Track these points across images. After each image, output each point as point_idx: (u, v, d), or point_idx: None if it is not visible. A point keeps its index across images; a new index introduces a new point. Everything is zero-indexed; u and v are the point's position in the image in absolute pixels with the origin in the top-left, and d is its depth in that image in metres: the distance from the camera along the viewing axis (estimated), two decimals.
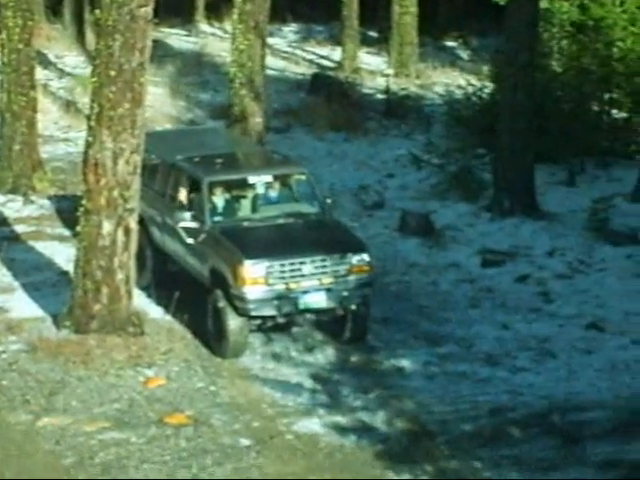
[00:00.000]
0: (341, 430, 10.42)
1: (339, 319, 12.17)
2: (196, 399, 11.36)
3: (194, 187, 12.90)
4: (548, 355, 12.74)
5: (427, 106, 23.45)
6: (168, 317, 13.19)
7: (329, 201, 13.60)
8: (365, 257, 12.00)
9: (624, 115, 20.55)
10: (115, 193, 12.35)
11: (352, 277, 11.87)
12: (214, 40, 27.24)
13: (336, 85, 23.66)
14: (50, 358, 12.17)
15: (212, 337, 12.00)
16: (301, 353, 12.32)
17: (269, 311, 11.56)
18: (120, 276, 12.37)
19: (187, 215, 12.43)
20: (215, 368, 12.38)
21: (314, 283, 11.71)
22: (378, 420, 10.69)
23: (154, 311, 13.39)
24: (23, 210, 17.58)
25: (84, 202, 12.62)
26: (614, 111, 20.56)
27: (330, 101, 22.66)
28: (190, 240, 12.47)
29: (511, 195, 16.95)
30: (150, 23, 12.72)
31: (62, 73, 25.97)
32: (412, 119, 22.40)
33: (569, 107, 19.38)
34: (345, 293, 11.80)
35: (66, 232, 15.74)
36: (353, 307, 11.91)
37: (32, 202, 17.85)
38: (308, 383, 11.62)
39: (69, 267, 13.72)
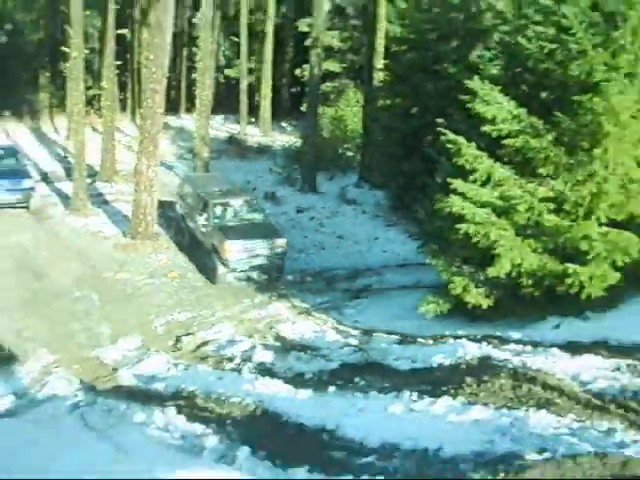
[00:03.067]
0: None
1: (273, 267, 18.28)
2: (180, 267, 18.37)
3: (206, 205, 18.75)
4: (321, 248, 21.64)
5: (275, 149, 34.31)
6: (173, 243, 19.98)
7: (267, 212, 20.15)
8: (284, 240, 18.34)
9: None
10: (147, 183, 19.31)
11: (278, 249, 18.24)
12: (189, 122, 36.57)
13: (238, 140, 35.25)
14: (121, 249, 19.20)
15: (209, 273, 17.97)
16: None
17: (238, 266, 17.70)
18: (149, 217, 19.31)
19: (203, 217, 18.58)
20: (189, 256, 19.13)
21: (259, 252, 17.92)
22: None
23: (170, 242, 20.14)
24: (111, 189, 25.34)
25: (135, 187, 19.55)
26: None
27: (236, 146, 34.51)
28: (204, 229, 18.60)
29: (307, 184, 27.55)
30: (162, 111, 19.51)
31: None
32: (269, 153, 33.38)
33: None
34: (275, 257, 18.22)
35: (129, 199, 20.60)
36: (279, 263, 18.39)
37: (113, 187, 25.53)
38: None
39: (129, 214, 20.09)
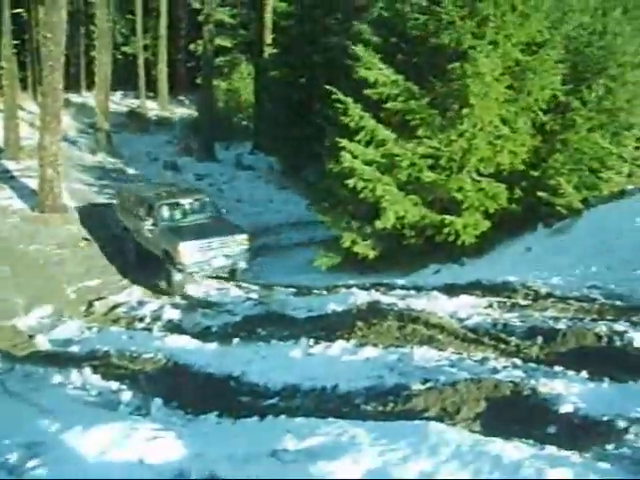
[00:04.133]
0: None
1: (236, 268, 14.71)
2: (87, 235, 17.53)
3: (151, 207, 15.23)
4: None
5: (174, 121, 34.19)
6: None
7: (224, 210, 16.27)
8: (244, 236, 14.63)
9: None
10: (51, 158, 18.23)
11: (238, 247, 14.52)
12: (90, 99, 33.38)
13: (137, 114, 33.90)
14: (30, 222, 17.99)
15: (165, 282, 14.57)
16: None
17: (195, 269, 14.12)
18: (56, 190, 18.34)
19: (149, 222, 15.08)
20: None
21: (218, 252, 14.23)
22: None
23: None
24: (18, 166, 23.26)
25: (40, 162, 18.39)
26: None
27: (136, 120, 33.14)
28: (151, 235, 15.14)
29: (205, 153, 27.51)
30: (62, 88, 18.61)
31: None
32: (168, 126, 32.88)
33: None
34: (237, 256, 14.51)
35: (35, 174, 19.18)
36: (241, 264, 14.75)
37: (19, 163, 23.48)
38: None
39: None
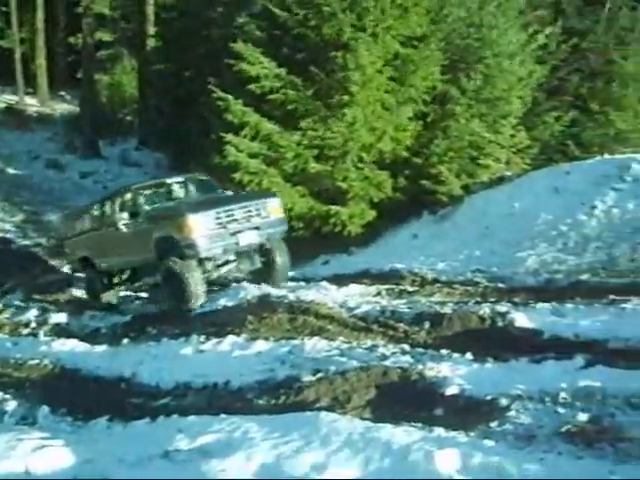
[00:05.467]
0: None
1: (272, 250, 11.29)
2: None
3: (123, 200, 11.62)
4: None
5: (55, 117, 32.45)
6: None
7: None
8: (277, 200, 11.18)
9: None
10: None
11: (271, 216, 10.94)
12: None
13: (16, 111, 32.37)
14: None
15: (174, 300, 10.41)
16: None
17: (216, 252, 10.48)
18: None
19: (124, 216, 11.20)
20: None
21: (244, 224, 10.47)
22: None
23: None
24: None
25: None
26: None
27: (15, 117, 31.52)
28: (127, 229, 11.22)
29: (89, 150, 26.75)
30: None
31: None
32: (49, 122, 31.32)
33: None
34: (269, 229, 10.92)
35: None
36: (276, 246, 11.31)
37: None
38: None
39: None
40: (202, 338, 8.71)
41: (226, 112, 13.24)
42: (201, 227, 10.06)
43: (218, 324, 9.17)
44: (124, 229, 11.34)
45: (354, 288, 9.99)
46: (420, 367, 6.51)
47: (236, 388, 7.12)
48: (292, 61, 13.74)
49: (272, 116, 13.50)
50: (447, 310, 8.33)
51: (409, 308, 8.67)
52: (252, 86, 13.19)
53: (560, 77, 15.67)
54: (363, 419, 5.68)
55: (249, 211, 10.61)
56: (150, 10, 27.47)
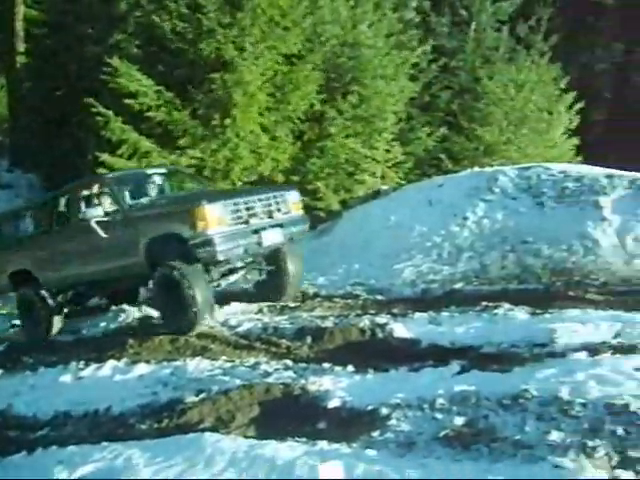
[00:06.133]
0: None
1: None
2: None
3: (97, 187, 9.58)
4: None
5: None
6: None
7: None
8: (297, 194, 9.62)
9: None
10: None
11: (293, 212, 9.37)
12: None
13: None
14: None
15: (170, 318, 8.62)
16: None
17: (237, 252, 8.51)
18: None
19: (97, 210, 8.91)
20: None
21: (265, 219, 8.80)
22: None
23: None
24: None
25: None
26: None
27: None
28: (103, 230, 8.88)
29: None
30: None
31: None
32: None
33: None
34: (291, 226, 9.37)
35: None
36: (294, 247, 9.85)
37: None
38: None
39: None
40: (81, 364, 8.45)
41: (105, 129, 12.91)
42: (220, 220, 8.07)
43: (98, 349, 8.91)
44: (98, 230, 8.86)
45: (235, 306, 9.93)
46: (303, 382, 6.57)
47: (118, 414, 6.93)
48: (170, 79, 13.57)
49: (151, 134, 13.28)
50: (328, 324, 8.39)
51: (291, 324, 8.69)
52: (131, 101, 12.92)
53: (432, 94, 16.25)
54: (247, 437, 5.69)
55: (269, 204, 8.85)
56: (20, 26, 26.42)
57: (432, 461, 4.88)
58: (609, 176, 11.57)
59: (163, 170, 10.46)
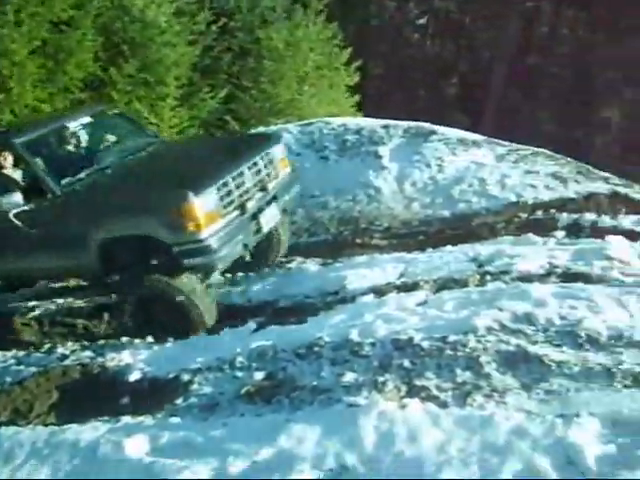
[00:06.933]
0: None
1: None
2: None
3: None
4: None
5: None
6: None
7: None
8: (282, 147, 8.03)
9: None
10: None
11: (283, 174, 7.52)
12: None
13: None
14: None
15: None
16: None
17: (237, 250, 6.65)
18: None
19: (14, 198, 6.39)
20: None
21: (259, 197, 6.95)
22: None
23: None
24: None
25: None
26: None
27: None
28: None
29: None
30: None
31: None
32: None
33: None
34: (284, 193, 7.62)
35: None
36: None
37: None
38: None
39: None
40: None
41: None
42: (213, 216, 6.12)
43: None
44: (19, 225, 6.48)
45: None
46: (101, 360, 6.43)
47: None
48: None
49: None
50: None
51: (86, 302, 8.39)
52: None
53: (213, 56, 16.12)
54: (47, 425, 5.48)
55: (259, 171, 6.88)
56: None
57: (235, 419, 5.00)
58: (385, 126, 12.13)
59: (87, 118, 7.55)
